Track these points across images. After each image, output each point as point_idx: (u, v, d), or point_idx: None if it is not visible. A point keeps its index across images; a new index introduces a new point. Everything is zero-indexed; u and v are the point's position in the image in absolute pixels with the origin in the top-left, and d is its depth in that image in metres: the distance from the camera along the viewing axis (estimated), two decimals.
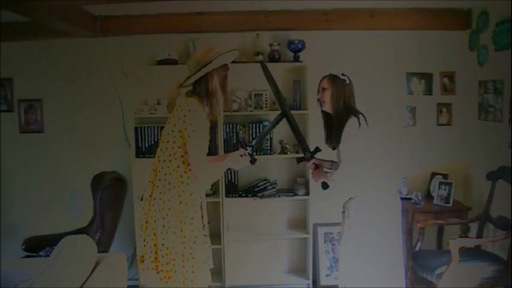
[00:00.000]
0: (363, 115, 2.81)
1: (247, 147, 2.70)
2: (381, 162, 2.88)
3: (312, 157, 2.97)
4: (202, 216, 2.66)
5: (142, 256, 2.58)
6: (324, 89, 2.86)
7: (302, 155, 3.03)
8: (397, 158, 4.09)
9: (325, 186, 2.95)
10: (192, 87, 2.63)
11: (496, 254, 3.36)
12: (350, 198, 2.90)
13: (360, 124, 2.75)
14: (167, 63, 3.96)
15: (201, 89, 2.57)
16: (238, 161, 2.69)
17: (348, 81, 2.85)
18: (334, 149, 2.92)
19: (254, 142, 2.81)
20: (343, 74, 2.86)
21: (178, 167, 2.53)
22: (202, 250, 2.63)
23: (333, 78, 2.85)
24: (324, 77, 2.90)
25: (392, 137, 4.15)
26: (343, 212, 2.97)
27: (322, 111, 2.95)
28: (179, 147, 2.52)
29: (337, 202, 4.04)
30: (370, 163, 2.81)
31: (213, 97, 2.57)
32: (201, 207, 2.66)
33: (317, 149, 2.94)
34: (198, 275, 2.57)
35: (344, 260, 2.93)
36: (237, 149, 2.88)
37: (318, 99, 2.92)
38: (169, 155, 2.53)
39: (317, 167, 2.99)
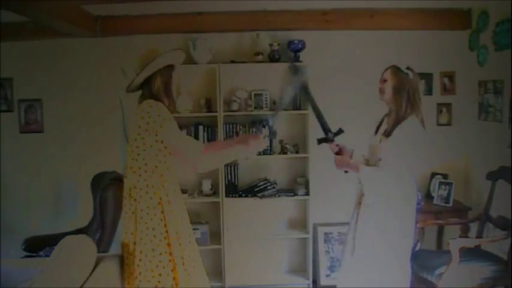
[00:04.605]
0: (422, 117, 2.74)
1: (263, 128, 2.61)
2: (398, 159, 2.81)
3: (333, 140, 2.78)
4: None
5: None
6: (385, 80, 2.80)
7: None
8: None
9: (346, 172, 2.79)
10: (141, 92, 2.56)
11: (496, 254, 3.36)
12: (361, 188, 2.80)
13: (423, 125, 2.71)
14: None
15: (146, 92, 2.51)
16: (258, 146, 2.61)
17: (411, 76, 2.75)
18: (380, 140, 2.79)
19: (272, 122, 2.69)
20: (407, 68, 2.77)
21: (156, 166, 2.43)
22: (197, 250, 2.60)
23: (395, 71, 2.77)
24: (387, 68, 2.83)
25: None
26: (359, 203, 2.86)
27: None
28: (150, 146, 2.41)
29: (337, 202, 4.09)
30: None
31: (160, 99, 2.49)
32: None
33: (340, 131, 2.75)
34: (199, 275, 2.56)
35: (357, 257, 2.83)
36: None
37: (379, 89, 2.84)
38: (144, 158, 2.42)
39: (340, 151, 2.80)
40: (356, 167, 2.72)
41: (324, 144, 2.82)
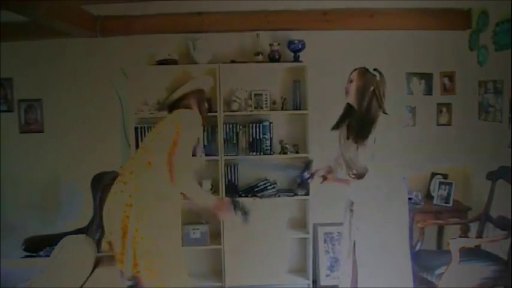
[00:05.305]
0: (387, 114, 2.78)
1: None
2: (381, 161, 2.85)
3: (312, 174, 3.00)
4: None
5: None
6: (351, 80, 2.82)
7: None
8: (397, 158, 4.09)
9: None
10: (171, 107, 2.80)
11: (496, 254, 3.36)
12: (352, 203, 2.87)
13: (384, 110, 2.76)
14: (167, 63, 3.96)
15: (177, 107, 2.76)
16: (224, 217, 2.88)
17: (378, 77, 2.77)
18: (356, 146, 2.77)
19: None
20: (375, 69, 2.79)
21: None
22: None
23: (363, 72, 2.79)
24: (355, 69, 2.85)
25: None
26: (350, 210, 2.90)
27: (347, 103, 2.89)
28: (188, 146, 2.59)
29: (337, 202, 4.08)
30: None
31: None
32: None
33: (307, 165, 3.02)
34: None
35: (360, 260, 2.85)
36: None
37: (345, 89, 2.87)
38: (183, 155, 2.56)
39: (326, 178, 2.99)
40: (346, 182, 2.86)
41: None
